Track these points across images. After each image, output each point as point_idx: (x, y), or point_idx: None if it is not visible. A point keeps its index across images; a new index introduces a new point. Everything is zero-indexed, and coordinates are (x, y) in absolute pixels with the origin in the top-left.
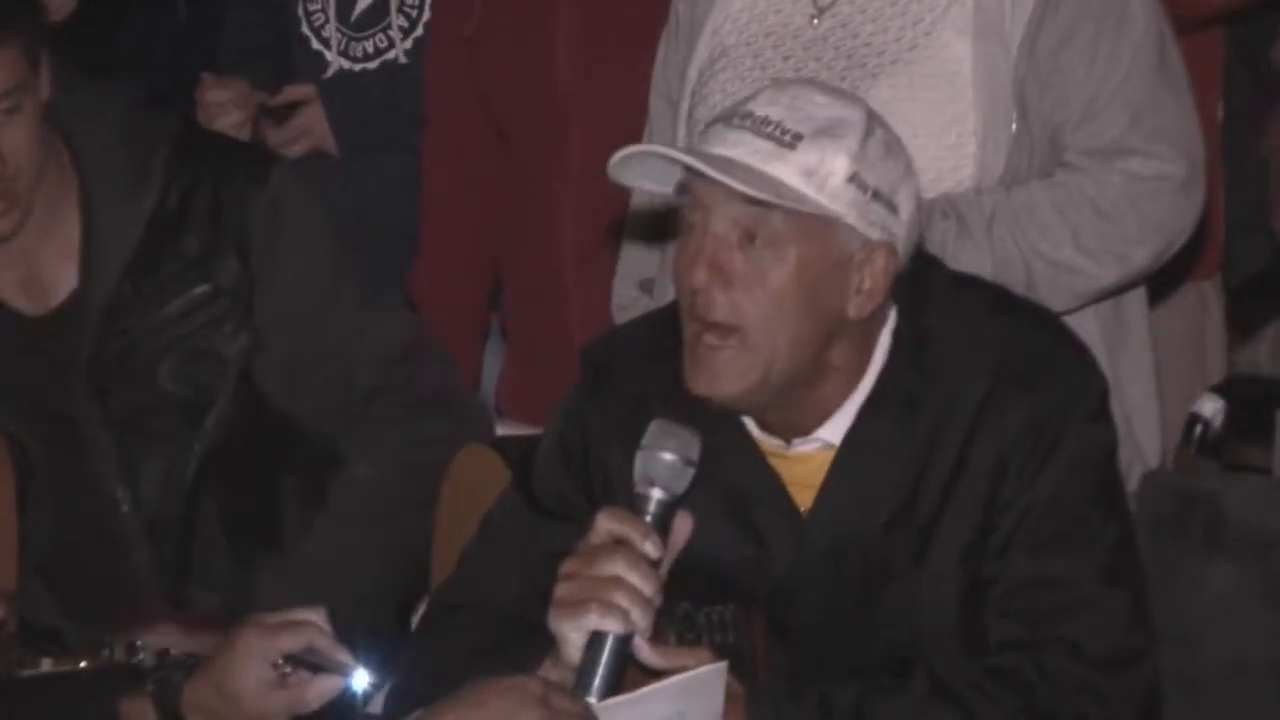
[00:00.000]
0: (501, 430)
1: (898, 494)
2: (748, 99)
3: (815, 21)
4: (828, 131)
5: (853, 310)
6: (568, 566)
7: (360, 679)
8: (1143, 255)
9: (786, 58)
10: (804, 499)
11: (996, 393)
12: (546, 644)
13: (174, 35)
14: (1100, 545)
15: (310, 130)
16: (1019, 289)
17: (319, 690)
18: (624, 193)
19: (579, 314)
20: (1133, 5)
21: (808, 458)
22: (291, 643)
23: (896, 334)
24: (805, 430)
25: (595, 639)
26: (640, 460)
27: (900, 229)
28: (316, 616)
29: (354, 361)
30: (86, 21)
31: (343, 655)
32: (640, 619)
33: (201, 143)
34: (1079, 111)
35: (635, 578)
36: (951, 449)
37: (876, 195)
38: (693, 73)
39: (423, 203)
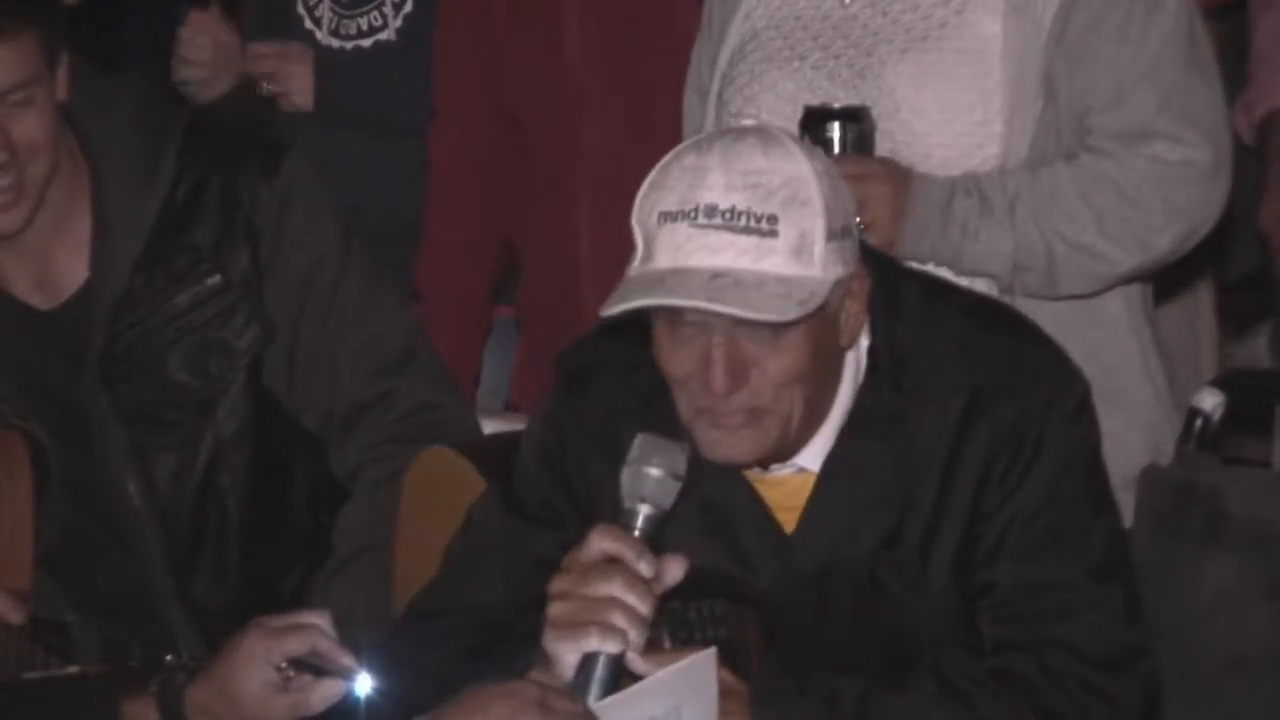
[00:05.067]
0: (509, 425)
1: (886, 513)
2: (693, 185)
3: (846, 1)
4: (794, 200)
5: (844, 340)
6: (560, 584)
7: (363, 683)
8: (1165, 241)
9: (815, 38)
10: (783, 521)
11: (977, 403)
12: (531, 651)
13: (175, 33)
14: (1091, 544)
15: (288, 80)
16: (1039, 271)
17: (322, 694)
18: (640, 180)
19: (595, 306)
20: None
21: (783, 481)
22: (295, 646)
23: (872, 353)
24: (782, 458)
25: (589, 657)
26: (627, 476)
27: (857, 243)
28: (321, 620)
29: (345, 366)
30: (90, 14)
31: (346, 659)
32: (637, 639)
33: (213, 134)
34: (1107, 94)
35: (633, 598)
36: (936, 464)
37: (844, 233)
38: (724, 56)
39: (429, 195)
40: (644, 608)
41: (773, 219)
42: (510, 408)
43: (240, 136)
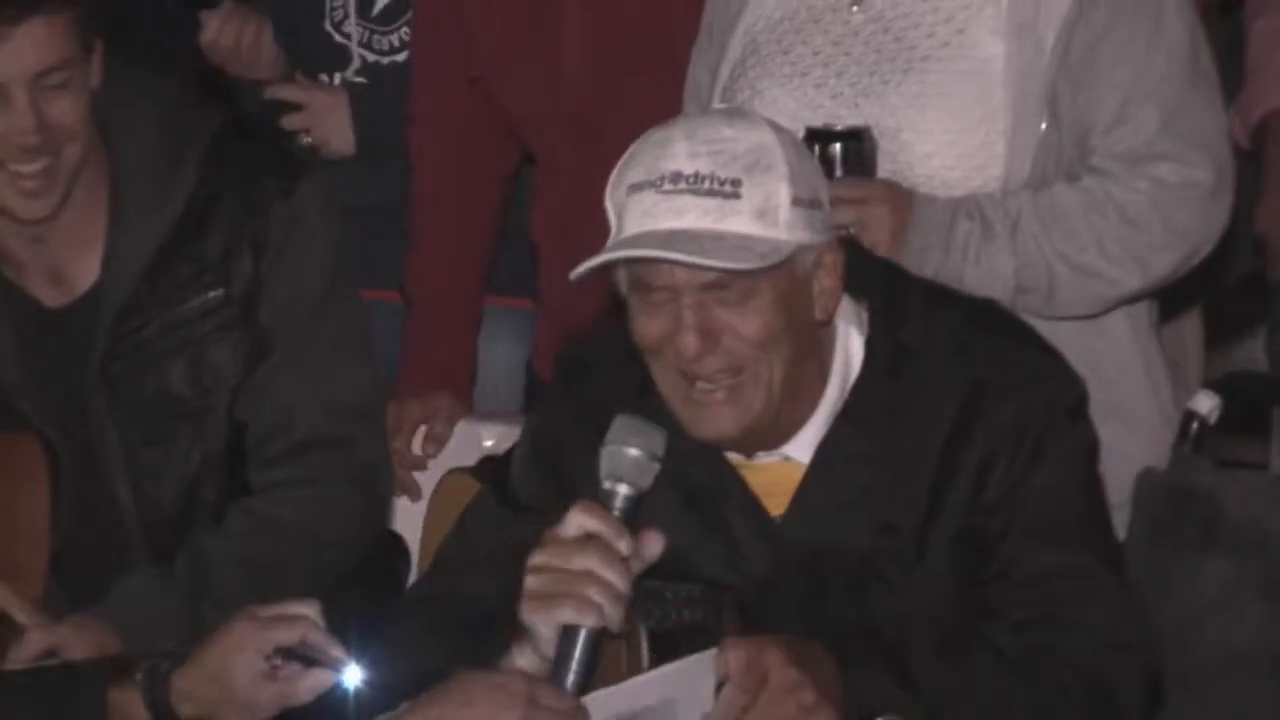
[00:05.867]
0: (494, 427)
1: (880, 502)
2: (659, 156)
3: (855, 9)
4: (758, 165)
5: (819, 313)
6: (538, 558)
7: (352, 674)
8: (1166, 262)
9: (817, 53)
10: (771, 506)
11: (976, 399)
12: (514, 634)
13: (161, 19)
14: (1097, 533)
15: (325, 128)
16: (1040, 293)
17: (310, 684)
18: None
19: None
20: (1168, 7)
21: (768, 468)
22: (285, 636)
23: (870, 345)
24: (769, 446)
25: (568, 633)
26: (606, 456)
27: (828, 219)
28: (310, 610)
29: (307, 394)
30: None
31: (335, 650)
32: (613, 614)
33: (236, 146)
34: (1110, 114)
35: (609, 573)
36: (934, 456)
37: (812, 203)
38: (725, 70)
39: (414, 196)
40: (620, 584)
41: (736, 182)
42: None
43: (263, 149)
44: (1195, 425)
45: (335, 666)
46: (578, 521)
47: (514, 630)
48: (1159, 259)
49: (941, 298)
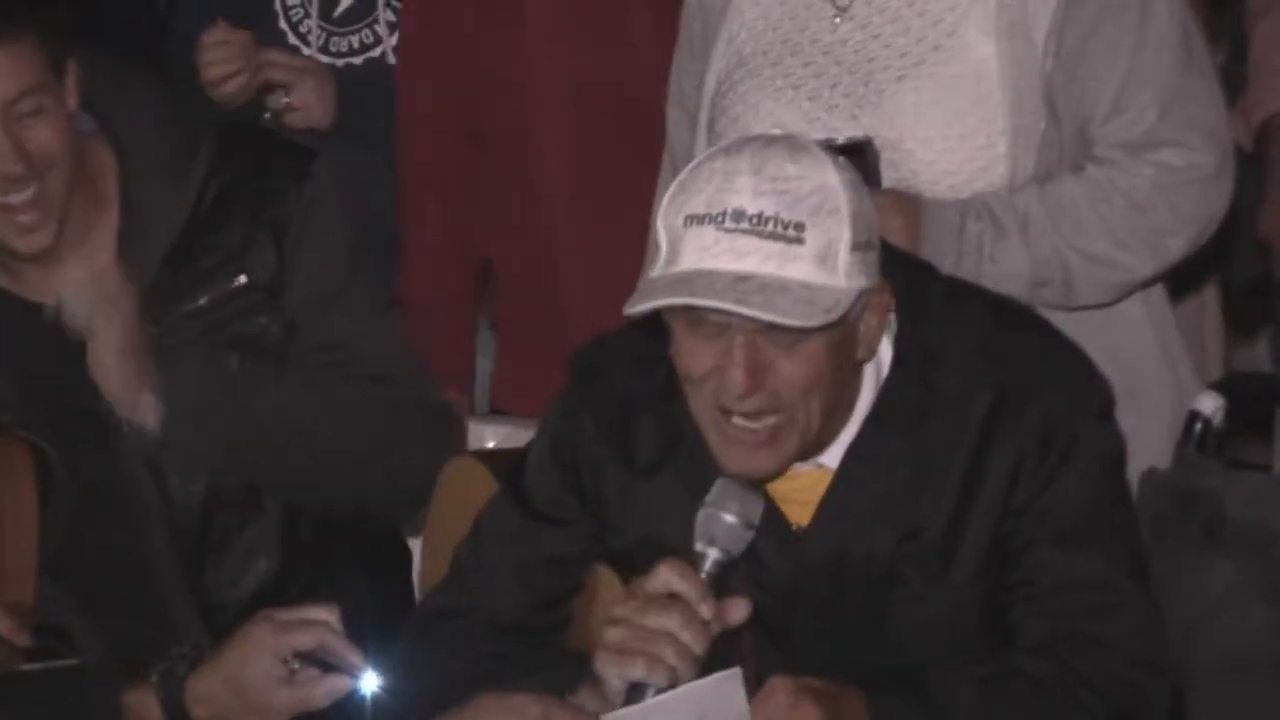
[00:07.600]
0: (496, 428)
1: (904, 508)
2: (722, 189)
3: (837, 21)
4: (822, 208)
5: (861, 352)
6: (620, 610)
7: (369, 681)
8: (1178, 245)
9: (807, 64)
10: (796, 514)
11: (1005, 401)
12: (548, 655)
13: (154, 25)
14: (1126, 542)
15: (308, 95)
16: (1057, 286)
17: (328, 689)
18: (604, 181)
19: (574, 305)
20: None
21: (798, 476)
22: (304, 640)
23: (899, 346)
24: (803, 459)
25: (636, 689)
26: (702, 518)
27: (879, 259)
28: (329, 616)
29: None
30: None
31: (354, 656)
32: (686, 676)
33: (244, 137)
34: (1107, 105)
35: (688, 636)
36: (962, 459)
37: (868, 245)
38: (710, 83)
39: (403, 205)
40: (698, 648)
41: (800, 226)
42: (492, 410)
43: (270, 139)
44: (1199, 426)
45: (353, 672)
46: (664, 579)
47: (579, 668)
48: (1169, 243)
49: (963, 293)
